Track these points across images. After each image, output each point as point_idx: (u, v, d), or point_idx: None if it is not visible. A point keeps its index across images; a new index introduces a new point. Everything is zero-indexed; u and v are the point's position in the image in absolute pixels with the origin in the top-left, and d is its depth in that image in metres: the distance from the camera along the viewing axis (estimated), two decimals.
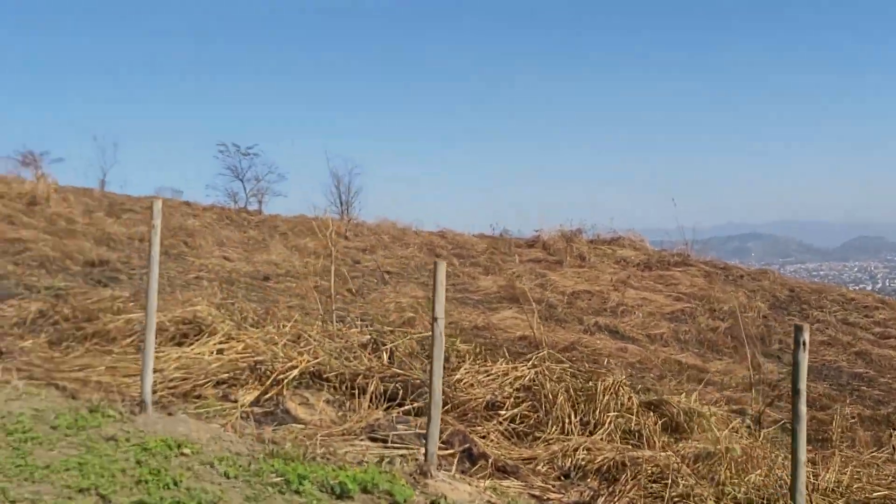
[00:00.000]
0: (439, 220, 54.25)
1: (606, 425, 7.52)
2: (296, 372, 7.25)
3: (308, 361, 7.46)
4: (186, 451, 5.19)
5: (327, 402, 7.27)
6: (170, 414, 6.30)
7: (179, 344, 8.22)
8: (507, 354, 8.90)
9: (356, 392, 7.41)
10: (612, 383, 8.07)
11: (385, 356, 8.44)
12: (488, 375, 8.32)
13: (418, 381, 7.79)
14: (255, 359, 7.56)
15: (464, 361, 8.85)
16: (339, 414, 7.10)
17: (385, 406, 7.26)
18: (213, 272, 16.11)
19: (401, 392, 7.55)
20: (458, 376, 8.23)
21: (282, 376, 7.19)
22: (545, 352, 9.15)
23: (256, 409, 6.84)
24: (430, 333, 9.83)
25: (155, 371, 7.36)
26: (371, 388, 7.35)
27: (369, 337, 9.18)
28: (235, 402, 6.96)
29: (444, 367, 9.33)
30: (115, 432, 5.39)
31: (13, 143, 25.08)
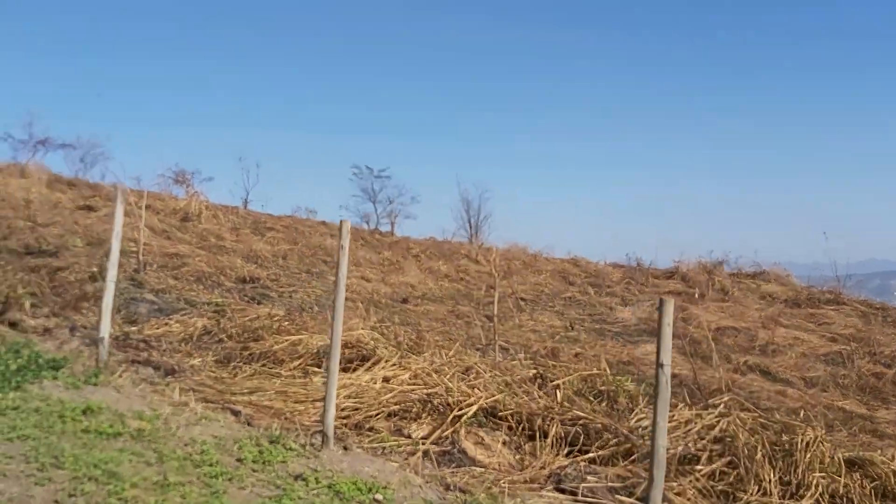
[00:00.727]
0: (570, 246, 53.30)
1: (813, 488, 6.52)
2: (473, 409, 6.65)
3: (485, 398, 6.85)
4: (379, 497, 4.67)
5: (504, 443, 6.63)
6: (346, 448, 5.82)
7: (345, 370, 7.81)
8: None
9: (535, 434, 6.75)
10: (815, 438, 7.05)
11: (558, 395, 7.73)
12: (669, 421, 7.46)
13: (599, 424, 7.04)
14: (427, 391, 7.02)
15: (635, 403, 8.06)
16: (518, 457, 6.44)
17: (566, 451, 6.55)
18: (355, 292, 15.89)
19: (582, 437, 6.83)
20: (634, 421, 7.45)
21: (458, 413, 6.61)
22: (727, 397, 8.22)
23: (432, 447, 6.28)
24: (598, 371, 9.16)
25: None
26: (552, 432, 6.66)
27: (535, 371, 8.50)
28: (409, 437, 6.43)
29: (614, 409, 8.58)
30: (303, 470, 4.93)
31: (168, 161, 26.07)
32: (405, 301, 16.28)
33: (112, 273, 6.83)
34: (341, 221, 5.88)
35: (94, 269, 11.57)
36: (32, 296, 9.82)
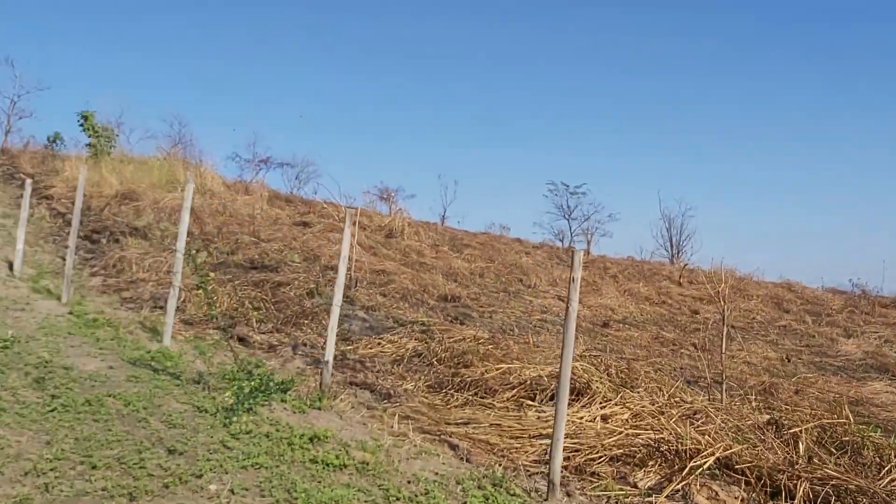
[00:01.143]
0: (783, 269, 49.74)
1: None
2: (711, 460, 5.97)
3: (720, 448, 6.14)
4: None
5: (742, 501, 5.89)
6: (568, 494, 5.38)
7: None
8: None
9: (778, 492, 5.94)
10: None
11: (800, 446, 6.82)
12: None
13: (854, 487, 6.08)
14: (655, 436, 6.41)
15: (885, 459, 6.95)
16: None
17: None
18: (553, 314, 15.43)
19: (832, 500, 5.92)
20: (888, 481, 6.39)
21: (691, 463, 5.95)
22: None
23: (661, 500, 5.67)
24: (839, 419, 8.05)
25: (543, 436, 6.57)
26: (799, 492, 5.83)
27: (769, 417, 7.60)
28: (635, 486, 5.87)
29: (859, 463, 7.47)
30: None
31: (373, 178, 27.14)
32: (606, 325, 15.57)
33: (338, 296, 6.86)
34: (572, 251, 5.45)
35: (312, 286, 12.03)
36: (257, 310, 10.30)
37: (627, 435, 6.52)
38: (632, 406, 7.28)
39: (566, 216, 30.32)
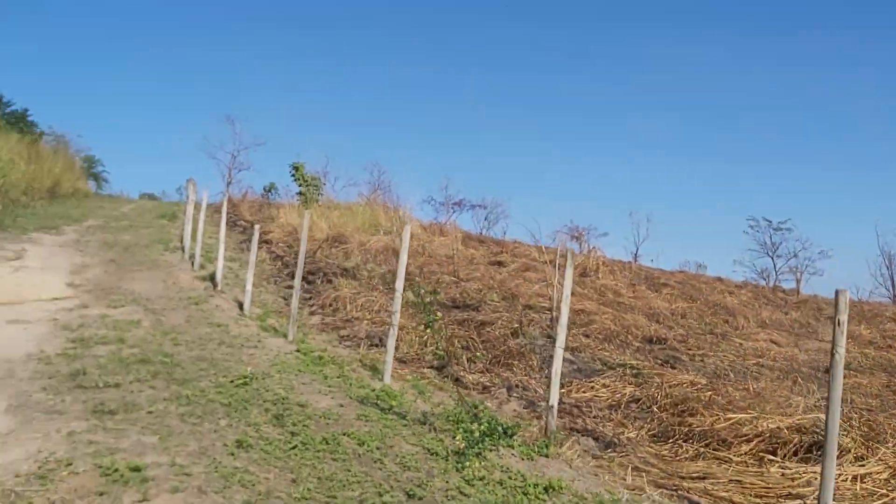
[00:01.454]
0: None
1: None
2: None
3: None
4: None
5: None
6: None
7: (804, 460, 6.62)
8: None
9: None
10: None
11: None
12: None
13: None
14: None
15: None
16: None
17: None
18: (769, 357, 14.18)
19: None
20: None
21: None
22: None
23: None
24: None
25: (792, 496, 5.87)
26: None
27: None
28: None
29: None
30: None
31: (563, 218, 26.83)
32: (827, 371, 14.04)
33: (561, 338, 6.61)
34: (837, 292, 4.84)
35: (516, 325, 11.88)
36: (465, 349, 10.27)
37: (893, 498, 5.67)
38: (891, 463, 6.38)
39: (770, 253, 28.28)
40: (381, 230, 20.55)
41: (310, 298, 12.61)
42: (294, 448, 5.40)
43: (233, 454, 5.13)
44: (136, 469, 4.62)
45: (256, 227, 11.25)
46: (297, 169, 25.72)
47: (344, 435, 5.77)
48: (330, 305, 12.06)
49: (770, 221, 28.32)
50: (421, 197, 36.23)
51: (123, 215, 23.37)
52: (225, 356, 8.10)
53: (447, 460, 5.45)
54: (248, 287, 10.89)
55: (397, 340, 10.34)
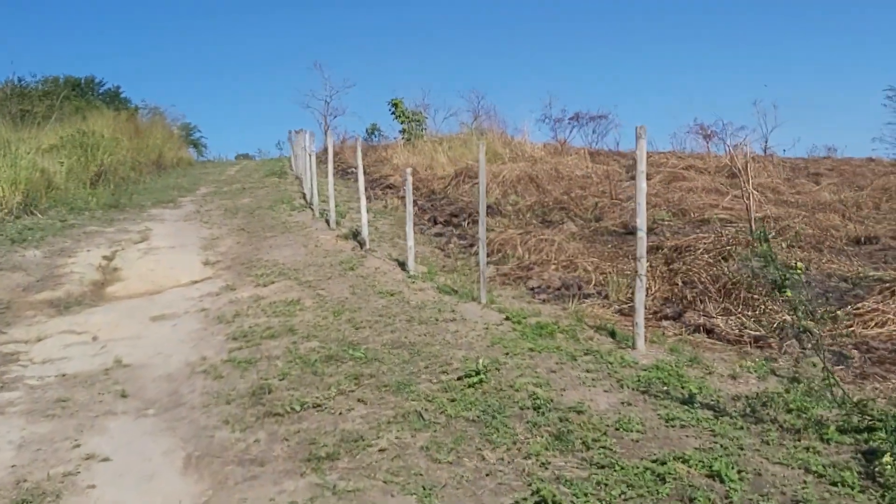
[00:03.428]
0: None
1: None
2: None
3: None
4: None
5: None
6: None
7: None
8: None
9: None
10: None
11: None
12: None
13: None
14: None
15: None
16: None
17: None
18: None
19: None
20: None
21: None
22: None
23: None
24: None
25: None
26: None
27: None
28: None
29: None
30: None
31: (681, 119, 23.72)
32: None
33: None
34: None
35: (721, 247, 9.52)
36: (686, 287, 8.03)
37: None
38: None
39: None
40: (502, 158, 18.24)
41: (471, 245, 10.56)
42: (625, 497, 3.38)
43: None
44: None
45: (408, 170, 9.15)
46: (396, 105, 23.54)
47: (677, 460, 3.70)
48: (497, 251, 9.98)
49: None
50: (534, 117, 33.31)
51: (232, 178, 21.86)
52: (424, 338, 6.14)
53: (866, 494, 3.31)
54: (410, 242, 8.89)
55: (599, 286, 8.21)
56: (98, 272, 9.78)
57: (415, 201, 14.23)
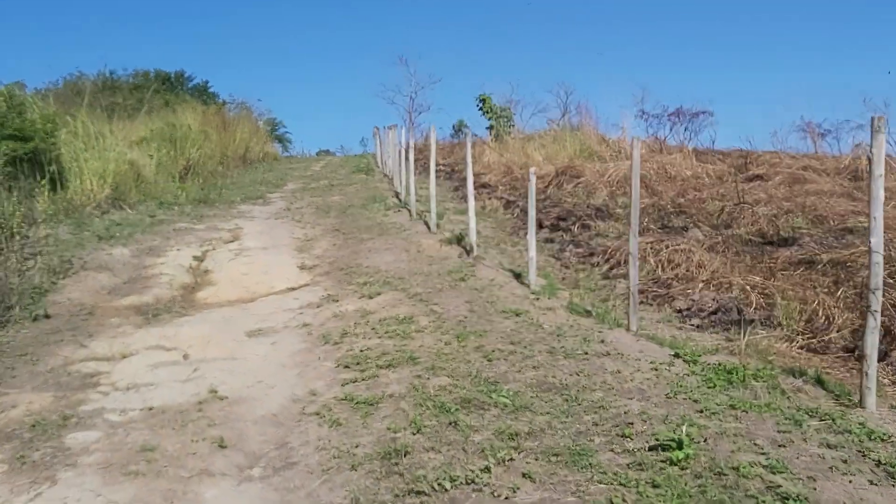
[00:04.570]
0: None
1: None
2: None
3: None
4: None
5: None
6: None
7: None
8: None
9: None
10: None
11: None
12: None
13: None
14: None
15: None
16: None
17: None
18: None
19: None
20: None
21: None
22: None
23: None
24: None
25: None
26: None
27: None
28: None
29: None
30: None
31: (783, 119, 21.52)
32: None
33: None
34: None
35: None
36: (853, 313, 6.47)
37: None
38: None
39: None
40: (601, 157, 16.73)
41: (591, 255, 9.19)
42: None
43: None
44: None
45: (532, 170, 7.82)
46: (484, 101, 22.24)
47: None
48: (622, 263, 8.59)
49: None
50: (629, 113, 31.31)
51: (318, 174, 20.99)
52: (577, 379, 4.85)
53: None
54: (532, 252, 7.58)
55: (761, 309, 6.74)
56: (188, 274, 8.85)
57: (515, 202, 12.93)
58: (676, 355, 5.19)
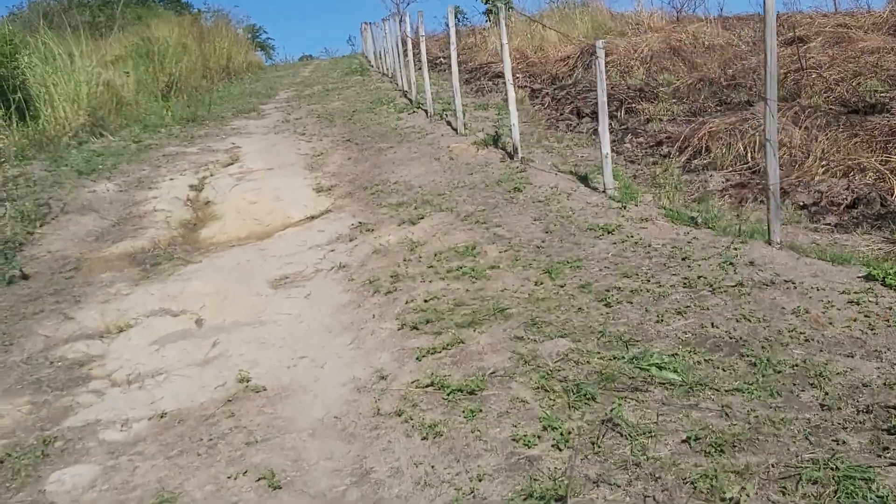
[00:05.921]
0: None
1: None
2: None
3: None
4: None
5: None
6: None
7: None
8: None
9: None
10: None
11: None
12: None
13: None
14: None
15: None
16: None
17: None
18: None
19: None
20: None
21: None
22: None
23: None
24: None
25: None
26: None
27: None
28: None
29: None
30: None
31: None
32: None
33: None
34: None
35: None
36: None
37: None
38: None
39: None
40: (621, 32, 14.64)
41: (658, 144, 7.51)
42: None
43: None
44: None
45: (600, 48, 5.98)
46: None
47: None
48: (692, 149, 6.93)
49: None
50: None
51: (309, 80, 18.82)
52: (755, 330, 3.33)
53: None
54: (605, 148, 5.87)
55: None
56: (187, 209, 7.19)
57: (541, 90, 11.09)
58: (870, 276, 3.65)
